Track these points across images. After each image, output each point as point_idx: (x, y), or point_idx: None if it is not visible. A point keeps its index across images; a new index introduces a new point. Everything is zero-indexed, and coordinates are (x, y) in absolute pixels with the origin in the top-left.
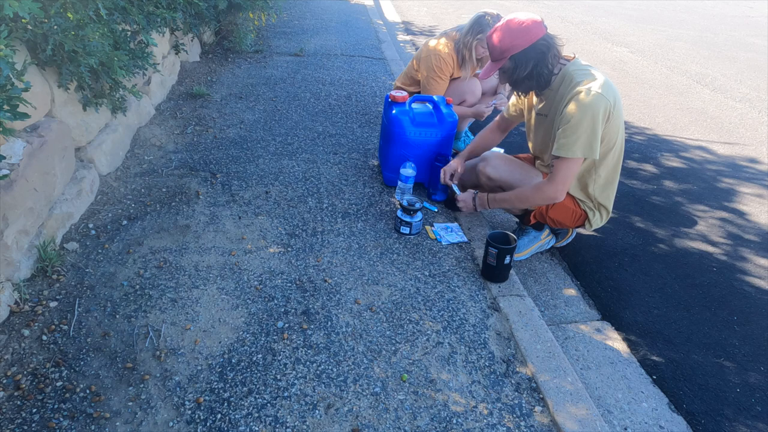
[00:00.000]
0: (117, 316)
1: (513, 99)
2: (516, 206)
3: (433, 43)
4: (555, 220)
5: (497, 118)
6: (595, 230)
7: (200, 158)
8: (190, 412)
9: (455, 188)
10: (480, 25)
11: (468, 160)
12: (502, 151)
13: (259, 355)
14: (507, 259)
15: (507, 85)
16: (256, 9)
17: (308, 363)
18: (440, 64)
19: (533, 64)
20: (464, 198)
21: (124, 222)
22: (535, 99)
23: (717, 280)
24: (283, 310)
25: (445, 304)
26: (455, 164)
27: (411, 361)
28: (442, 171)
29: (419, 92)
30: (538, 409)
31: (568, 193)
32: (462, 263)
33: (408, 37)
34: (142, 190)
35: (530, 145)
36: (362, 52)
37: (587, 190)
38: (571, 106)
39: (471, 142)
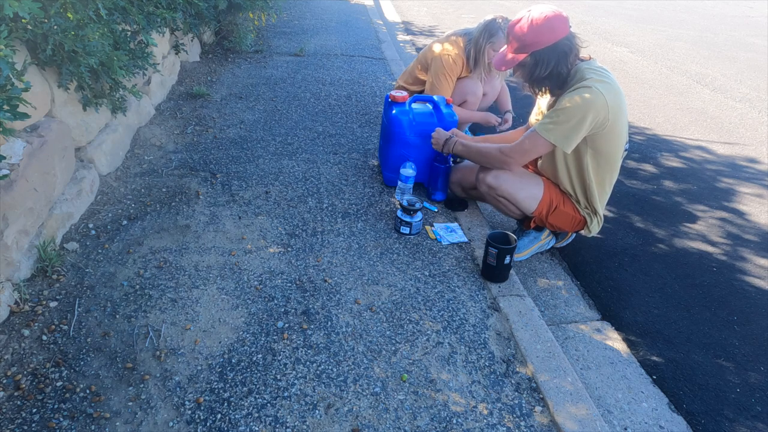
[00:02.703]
0: (117, 316)
1: (536, 108)
2: (475, 160)
3: (438, 48)
4: (555, 225)
5: (525, 125)
6: None
7: (200, 158)
8: (190, 412)
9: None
10: (492, 28)
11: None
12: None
13: (259, 355)
14: (507, 259)
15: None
16: (256, 9)
17: (308, 363)
18: (448, 68)
19: (554, 64)
20: (438, 135)
21: (124, 222)
22: (549, 99)
23: (717, 280)
24: (283, 310)
25: (445, 304)
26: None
27: (411, 361)
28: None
29: (421, 92)
30: (538, 409)
31: (568, 198)
32: (462, 263)
33: (408, 37)
34: (142, 190)
35: None
36: (362, 52)
37: (587, 193)
38: (571, 94)
39: (491, 135)
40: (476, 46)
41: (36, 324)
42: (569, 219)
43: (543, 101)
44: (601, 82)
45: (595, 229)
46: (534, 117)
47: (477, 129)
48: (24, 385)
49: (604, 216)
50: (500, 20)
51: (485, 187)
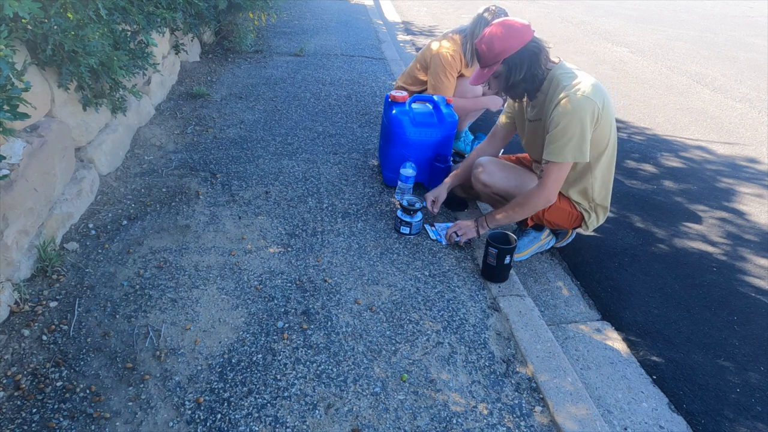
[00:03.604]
0: (117, 316)
1: (505, 108)
2: (514, 218)
3: (435, 46)
4: (552, 222)
5: (493, 128)
6: (594, 230)
7: (200, 158)
8: (190, 412)
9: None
10: (484, 19)
11: (462, 171)
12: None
13: (259, 355)
14: (507, 259)
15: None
16: (256, 9)
17: (308, 363)
18: (447, 65)
19: (527, 66)
20: (466, 225)
21: (124, 222)
22: (526, 108)
23: (717, 280)
24: (283, 310)
25: (445, 304)
26: (437, 192)
27: (411, 361)
28: (426, 199)
29: (421, 92)
30: (538, 409)
31: (565, 196)
32: (462, 263)
33: (408, 37)
34: (142, 190)
35: (529, 154)
36: (362, 52)
37: (586, 193)
38: (559, 110)
39: (463, 161)
40: (473, 38)
41: (36, 324)
42: (566, 215)
43: (516, 105)
44: (579, 83)
45: (593, 224)
46: (502, 120)
47: (476, 129)
48: (24, 385)
49: None
50: (493, 8)
51: (480, 186)
